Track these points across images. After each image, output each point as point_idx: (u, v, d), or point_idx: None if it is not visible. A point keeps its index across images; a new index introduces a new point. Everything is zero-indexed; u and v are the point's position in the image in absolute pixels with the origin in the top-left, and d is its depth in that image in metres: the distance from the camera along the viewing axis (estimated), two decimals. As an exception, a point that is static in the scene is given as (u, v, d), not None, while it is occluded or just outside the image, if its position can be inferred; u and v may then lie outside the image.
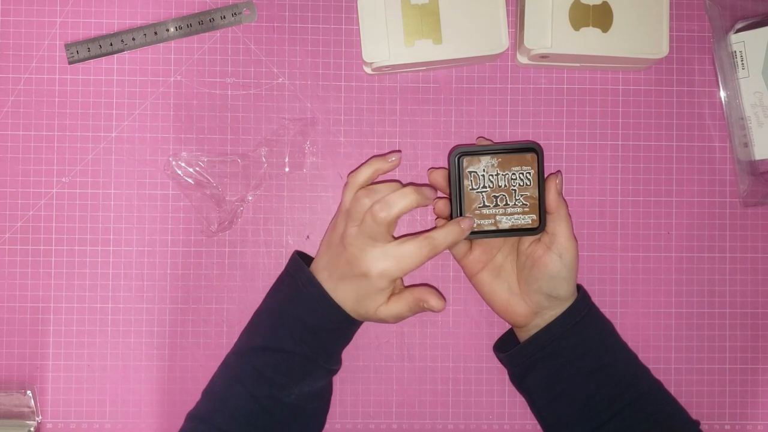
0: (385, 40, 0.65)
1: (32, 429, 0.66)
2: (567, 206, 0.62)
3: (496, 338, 0.68)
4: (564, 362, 0.61)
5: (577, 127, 0.69)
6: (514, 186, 0.61)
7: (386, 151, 0.69)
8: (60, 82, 0.68)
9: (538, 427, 0.68)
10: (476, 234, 0.62)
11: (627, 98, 0.69)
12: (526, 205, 0.61)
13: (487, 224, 0.61)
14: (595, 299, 0.66)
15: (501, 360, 0.66)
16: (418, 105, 0.69)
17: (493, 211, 0.61)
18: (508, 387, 0.68)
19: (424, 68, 0.68)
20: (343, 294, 0.60)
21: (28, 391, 0.67)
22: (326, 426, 0.68)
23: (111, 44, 0.67)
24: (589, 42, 0.65)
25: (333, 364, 0.62)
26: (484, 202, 0.61)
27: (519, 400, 0.68)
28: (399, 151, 0.63)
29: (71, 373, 0.68)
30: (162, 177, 0.68)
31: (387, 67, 0.66)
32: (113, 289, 0.68)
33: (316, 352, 0.60)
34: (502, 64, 0.69)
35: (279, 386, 0.59)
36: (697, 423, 0.62)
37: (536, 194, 0.61)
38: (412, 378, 0.69)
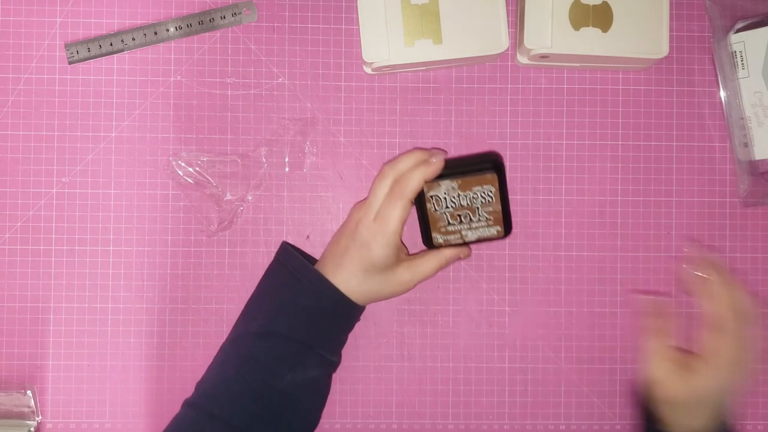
0: (385, 40, 0.65)
1: (32, 429, 0.66)
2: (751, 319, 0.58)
3: (496, 338, 0.68)
4: None
5: (577, 127, 0.69)
6: (476, 204, 0.60)
7: (386, 151, 0.68)
8: (60, 82, 0.68)
9: (539, 427, 0.68)
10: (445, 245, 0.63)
11: (627, 98, 0.69)
12: (490, 219, 0.61)
13: (453, 239, 0.62)
14: (595, 299, 0.66)
15: (643, 413, 0.63)
16: (418, 105, 0.69)
17: (458, 227, 0.61)
18: (508, 387, 0.68)
19: (424, 68, 0.68)
20: (367, 287, 0.60)
21: (28, 391, 0.67)
22: (326, 426, 0.68)
23: (111, 44, 0.67)
24: (589, 42, 0.65)
25: (330, 354, 0.61)
26: (448, 220, 0.61)
27: (519, 400, 0.68)
28: (444, 151, 0.61)
29: (71, 373, 0.68)
30: (162, 177, 0.68)
31: (387, 67, 0.66)
32: (113, 289, 0.68)
33: (312, 337, 0.60)
34: (502, 64, 0.69)
35: (272, 372, 0.59)
36: None
37: (499, 208, 0.61)
38: (412, 378, 0.69)
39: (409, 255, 0.65)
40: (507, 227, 0.62)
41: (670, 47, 0.66)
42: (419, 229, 0.62)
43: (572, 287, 0.69)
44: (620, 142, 0.69)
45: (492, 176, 0.59)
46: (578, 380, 0.69)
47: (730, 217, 0.69)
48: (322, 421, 0.68)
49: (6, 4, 0.68)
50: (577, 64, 0.68)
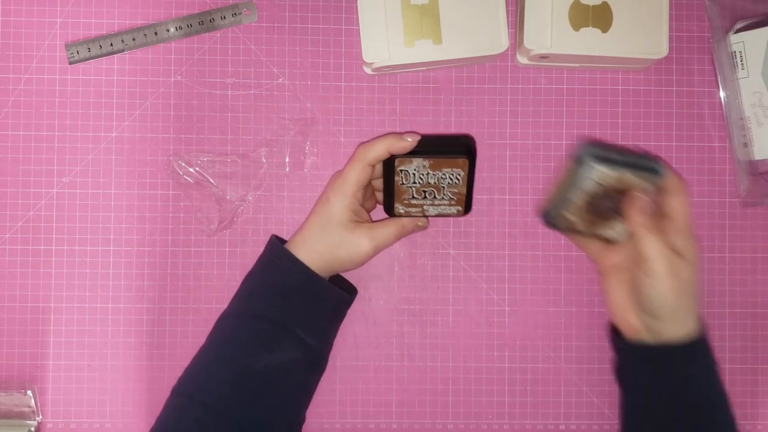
0: (385, 40, 0.65)
1: (32, 429, 0.66)
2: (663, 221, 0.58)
3: (496, 338, 0.68)
4: (672, 384, 0.58)
5: (577, 127, 0.69)
6: (443, 184, 0.62)
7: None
8: (60, 82, 0.68)
9: (539, 427, 0.68)
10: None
11: (627, 98, 0.69)
12: (453, 199, 0.63)
13: (414, 212, 0.63)
14: (595, 299, 0.66)
15: (612, 342, 0.63)
16: (418, 105, 0.69)
17: (421, 202, 0.63)
18: (508, 387, 0.68)
19: (424, 68, 0.68)
20: (325, 244, 0.61)
21: (29, 391, 0.67)
22: (326, 426, 0.68)
23: (111, 44, 0.68)
24: (589, 42, 0.65)
25: (307, 335, 0.60)
26: (413, 194, 0.62)
27: (519, 400, 0.68)
28: (417, 133, 0.62)
29: (71, 373, 0.68)
30: (162, 177, 0.68)
31: (387, 67, 0.66)
32: (113, 289, 0.68)
33: (286, 315, 0.60)
34: (502, 64, 0.69)
35: (249, 352, 0.59)
36: None
37: (464, 191, 0.62)
38: (412, 378, 0.69)
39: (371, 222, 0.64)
40: (467, 208, 0.63)
41: (670, 47, 0.66)
42: (383, 201, 0.64)
43: (572, 287, 0.69)
44: (620, 142, 0.69)
45: (464, 161, 0.61)
46: (578, 380, 0.69)
47: (730, 217, 0.69)
48: (322, 420, 0.68)
49: (6, 4, 0.68)
50: (577, 64, 0.68)
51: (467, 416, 0.68)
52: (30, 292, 0.68)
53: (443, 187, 0.62)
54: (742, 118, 0.67)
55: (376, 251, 0.62)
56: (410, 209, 0.63)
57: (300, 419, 0.62)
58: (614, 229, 0.60)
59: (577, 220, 0.60)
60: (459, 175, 0.61)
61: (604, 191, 0.58)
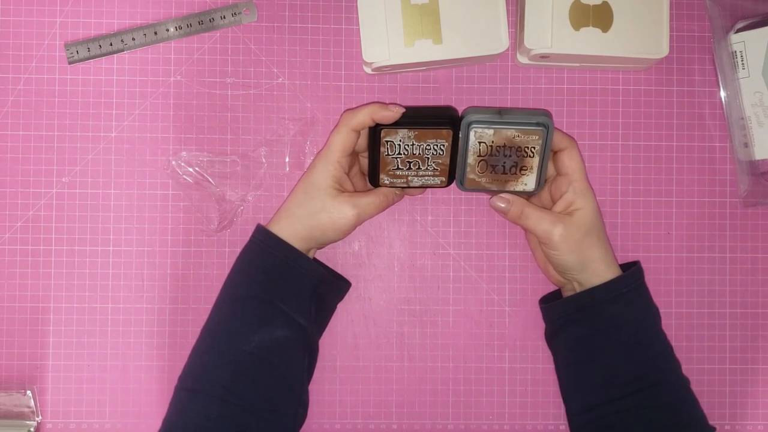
0: (385, 40, 0.65)
1: (32, 429, 0.66)
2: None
3: (496, 338, 0.68)
4: (598, 329, 0.61)
5: (577, 127, 0.69)
6: (427, 155, 0.62)
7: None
8: (60, 82, 0.68)
9: (539, 427, 0.68)
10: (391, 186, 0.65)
11: (627, 98, 0.69)
12: (437, 169, 0.63)
13: (399, 182, 0.64)
14: (595, 299, 0.66)
15: (542, 312, 0.66)
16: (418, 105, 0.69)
17: (406, 173, 0.63)
18: (508, 387, 0.68)
19: (424, 68, 0.68)
20: (306, 210, 0.61)
21: (28, 391, 0.67)
22: (326, 426, 0.68)
23: (111, 44, 0.67)
24: (589, 42, 0.65)
25: (293, 311, 0.60)
26: (398, 165, 0.63)
27: (519, 400, 0.68)
28: (401, 105, 0.62)
29: (71, 373, 0.68)
30: (162, 177, 0.68)
31: (387, 67, 0.66)
32: (113, 289, 0.68)
33: (269, 293, 0.60)
34: (502, 64, 0.69)
35: (239, 335, 0.59)
36: (713, 429, 0.60)
37: (447, 161, 0.63)
38: (412, 378, 0.69)
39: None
40: (450, 178, 0.64)
41: (670, 47, 0.66)
42: (368, 171, 0.64)
43: (572, 287, 0.69)
44: (620, 142, 0.69)
45: (448, 132, 0.62)
46: (578, 380, 0.69)
47: (730, 217, 0.69)
48: (322, 421, 0.68)
49: (6, 4, 0.68)
50: (577, 64, 0.68)
51: (467, 416, 0.68)
52: (30, 292, 0.68)
53: (428, 158, 0.63)
54: (742, 118, 0.67)
55: (359, 220, 0.62)
56: (395, 180, 0.64)
57: (305, 397, 0.62)
58: (524, 183, 0.63)
59: (484, 180, 0.63)
60: (443, 145, 0.62)
61: (495, 150, 0.62)
